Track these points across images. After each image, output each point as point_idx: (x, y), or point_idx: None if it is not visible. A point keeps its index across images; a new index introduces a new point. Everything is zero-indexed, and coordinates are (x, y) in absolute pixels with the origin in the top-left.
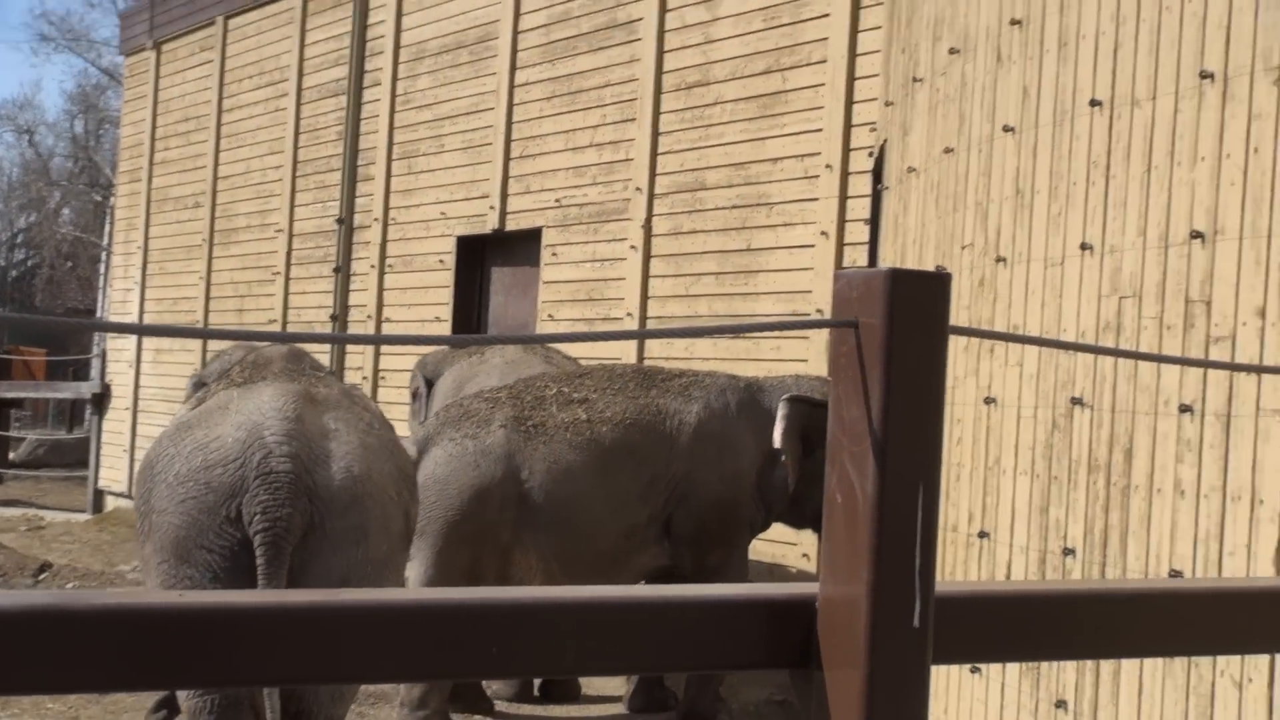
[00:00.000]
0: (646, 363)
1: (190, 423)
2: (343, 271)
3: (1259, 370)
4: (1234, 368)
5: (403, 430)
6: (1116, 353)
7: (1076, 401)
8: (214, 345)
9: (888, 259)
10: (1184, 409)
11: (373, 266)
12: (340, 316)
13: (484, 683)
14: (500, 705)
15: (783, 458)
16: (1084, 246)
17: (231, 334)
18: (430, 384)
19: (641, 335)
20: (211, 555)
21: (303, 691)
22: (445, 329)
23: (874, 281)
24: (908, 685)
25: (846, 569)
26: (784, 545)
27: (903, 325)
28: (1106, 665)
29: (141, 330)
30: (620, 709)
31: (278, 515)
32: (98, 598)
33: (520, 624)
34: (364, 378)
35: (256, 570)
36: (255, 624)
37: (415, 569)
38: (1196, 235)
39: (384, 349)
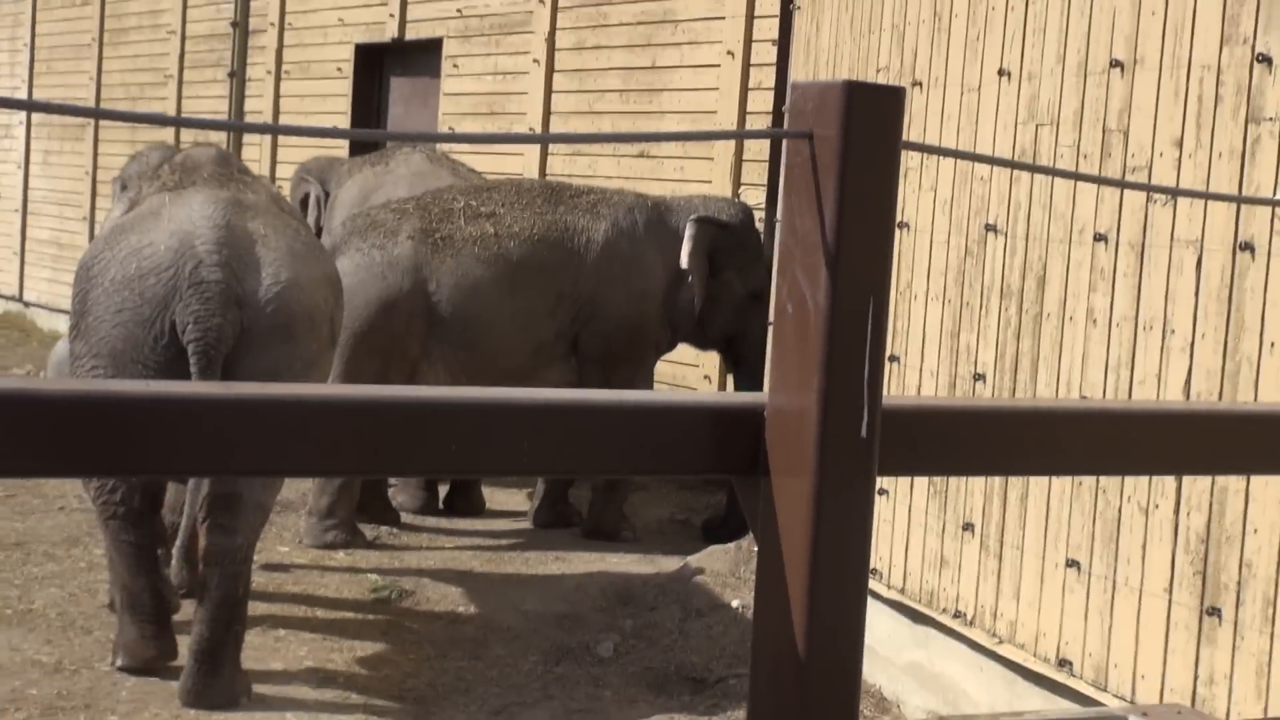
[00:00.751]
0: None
1: (125, 226)
2: (238, 77)
3: (1175, 193)
4: (1150, 189)
5: None
6: (1053, 172)
7: (990, 228)
8: (106, 148)
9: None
10: (1098, 238)
11: (269, 72)
12: None
13: (390, 495)
14: (406, 517)
15: (689, 278)
16: (1001, 72)
17: (127, 116)
18: (327, 192)
19: (578, 140)
20: (146, 370)
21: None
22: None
23: (830, 93)
24: (854, 494)
25: (797, 379)
26: (685, 366)
27: (858, 137)
28: (1014, 489)
29: (32, 106)
30: (525, 524)
31: (209, 325)
32: (43, 384)
33: (481, 423)
34: None
35: (191, 378)
36: (212, 411)
37: None
38: (1116, 64)
39: (281, 155)
